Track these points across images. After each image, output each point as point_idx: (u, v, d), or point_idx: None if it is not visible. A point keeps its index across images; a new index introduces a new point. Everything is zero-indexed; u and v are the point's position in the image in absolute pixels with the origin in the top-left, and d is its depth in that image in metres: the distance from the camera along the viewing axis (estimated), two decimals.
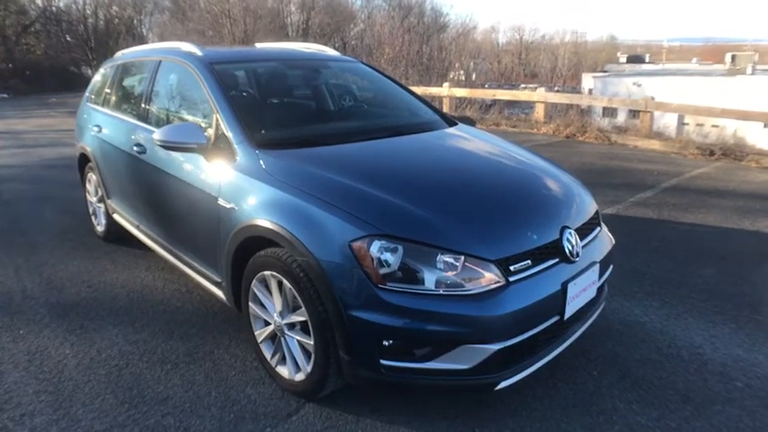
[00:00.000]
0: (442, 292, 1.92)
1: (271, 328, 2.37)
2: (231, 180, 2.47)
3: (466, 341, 1.92)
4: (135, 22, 34.28)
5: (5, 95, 23.71)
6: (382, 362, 1.97)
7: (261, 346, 2.47)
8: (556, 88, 32.36)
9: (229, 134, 2.58)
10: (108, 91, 4.14)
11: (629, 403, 2.32)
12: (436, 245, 1.96)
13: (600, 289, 2.53)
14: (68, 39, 30.94)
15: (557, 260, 2.15)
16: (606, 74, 36.86)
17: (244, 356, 2.68)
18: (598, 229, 2.56)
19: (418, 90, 13.41)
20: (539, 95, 11.13)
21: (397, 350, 1.96)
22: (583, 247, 2.29)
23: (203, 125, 2.76)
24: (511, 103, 14.84)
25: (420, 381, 2.00)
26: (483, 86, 21.49)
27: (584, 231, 2.39)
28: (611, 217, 4.97)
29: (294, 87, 3.48)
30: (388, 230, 1.97)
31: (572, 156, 8.04)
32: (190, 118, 2.96)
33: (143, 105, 3.41)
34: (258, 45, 4.23)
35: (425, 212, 2.08)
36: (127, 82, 3.95)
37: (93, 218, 4.53)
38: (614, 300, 3.25)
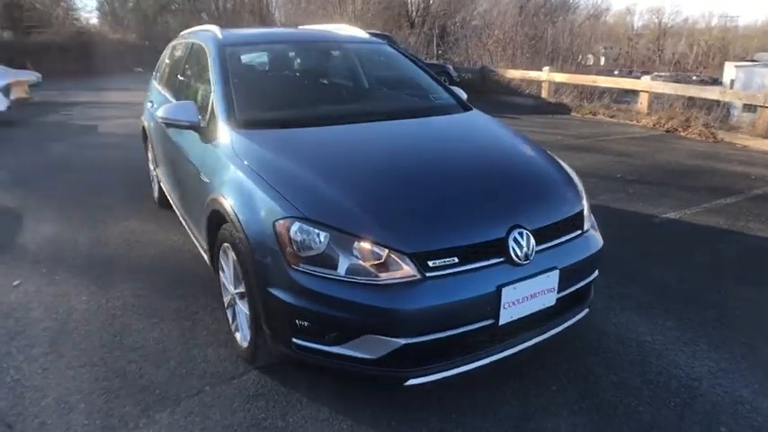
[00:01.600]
0: (351, 279, 1.91)
1: (230, 296, 2.50)
2: (209, 156, 2.62)
3: (370, 331, 1.90)
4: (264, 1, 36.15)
5: (140, 69, 26.31)
6: (294, 340, 2.02)
7: (227, 311, 2.61)
8: (694, 77, 29.22)
9: (216, 113, 2.72)
10: (161, 69, 4.50)
11: (573, 427, 2.13)
12: (354, 233, 1.94)
13: (575, 298, 2.34)
14: (204, 16, 33.52)
15: (499, 260, 2.02)
16: (754, 63, 32.43)
17: (223, 321, 2.83)
18: (577, 232, 2.33)
19: (516, 74, 12.91)
20: (643, 84, 10.18)
21: (308, 330, 1.99)
22: (541, 250, 2.12)
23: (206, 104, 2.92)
24: (628, 92, 13.72)
25: (329, 363, 2.02)
26: (609, 73, 19.97)
27: (549, 233, 2.19)
28: (670, 222, 4.49)
29: (304, 69, 3.55)
30: (308, 214, 1.99)
31: (660, 152, 7.31)
32: (199, 97, 3.14)
33: (176, 84, 3.69)
34: (301, 27, 4.35)
35: (354, 201, 2.06)
36: (172, 61, 4.26)
37: (152, 185, 4.98)
38: (623, 313, 2.97)
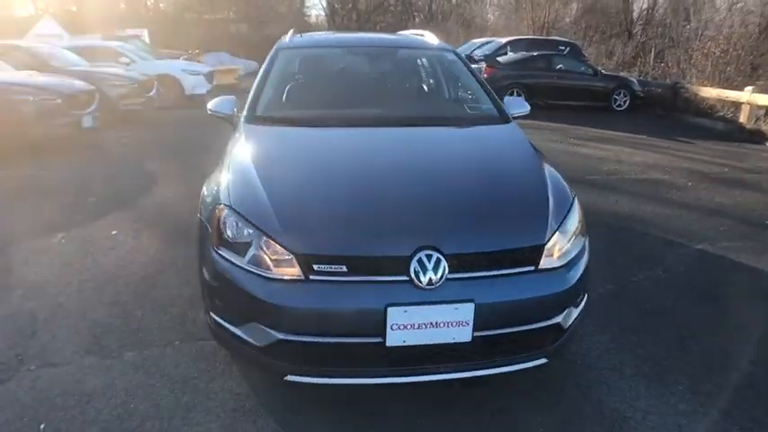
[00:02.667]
0: (250, 268, 2.00)
1: None
2: (227, 144, 2.91)
3: (255, 319, 1.98)
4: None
5: None
6: (211, 314, 2.18)
7: None
8: None
9: (244, 108, 3.00)
10: None
11: None
12: (262, 229, 2.03)
13: (521, 342, 2.10)
14: (416, 17, 35.34)
15: (398, 279, 1.92)
16: None
17: None
18: (525, 268, 2.05)
19: (712, 92, 11.12)
20: None
21: (218, 308, 2.15)
22: (457, 279, 1.95)
23: None
24: None
25: (232, 343, 2.13)
26: None
27: (473, 262, 1.99)
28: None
29: (348, 73, 3.66)
30: (236, 206, 2.14)
31: None
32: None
33: None
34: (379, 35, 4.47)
35: (276, 200, 2.13)
36: None
37: None
38: (605, 372, 2.51)
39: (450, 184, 2.37)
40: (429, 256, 1.92)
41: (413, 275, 1.91)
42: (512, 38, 15.15)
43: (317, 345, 1.95)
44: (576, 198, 2.41)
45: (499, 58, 12.37)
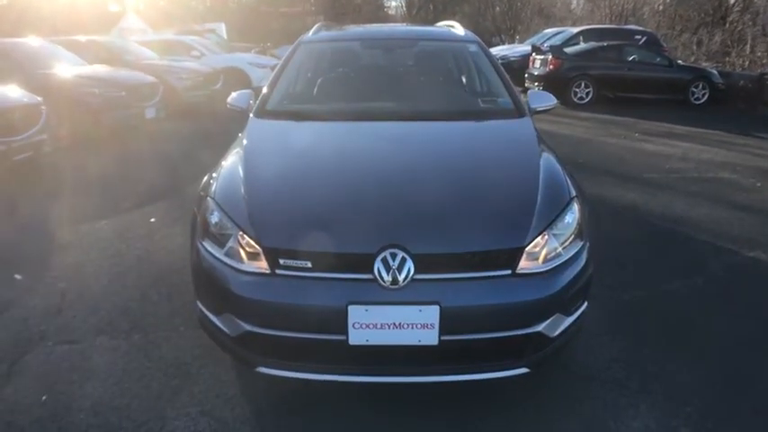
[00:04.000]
0: (225, 260, 2.04)
1: None
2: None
3: (227, 310, 2.02)
4: None
5: None
6: (197, 302, 2.24)
7: None
8: None
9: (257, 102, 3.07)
10: None
11: None
12: (235, 221, 2.07)
13: (495, 348, 2.00)
14: (496, 8, 34.31)
15: (362, 277, 1.88)
16: None
17: None
18: (500, 271, 1.95)
19: None
20: None
21: (202, 295, 2.20)
22: (424, 280, 1.88)
23: None
24: None
25: (212, 332, 2.17)
26: None
27: (441, 263, 1.92)
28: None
29: (363, 66, 3.63)
30: (218, 199, 2.20)
31: None
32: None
33: None
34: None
35: (252, 194, 2.17)
36: None
37: None
38: (607, 385, 2.34)
39: (434, 181, 2.28)
40: (394, 255, 1.87)
41: (377, 274, 1.87)
42: (584, 27, 14.43)
43: (284, 339, 1.95)
44: (575, 199, 2.23)
45: (566, 49, 11.80)
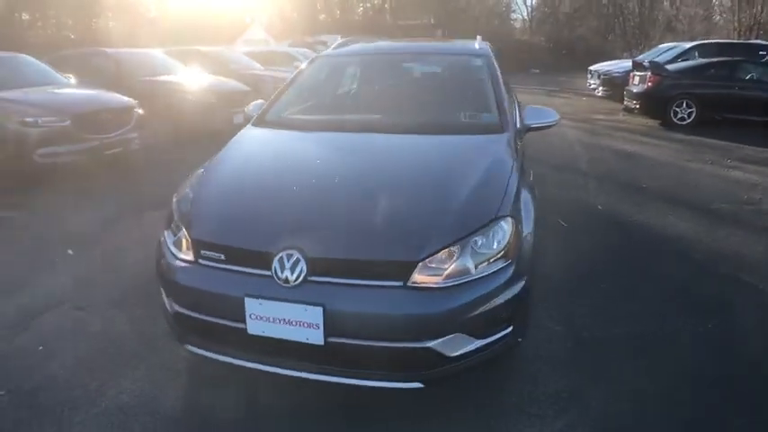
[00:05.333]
0: (170, 250, 2.34)
1: None
2: None
3: (167, 294, 2.34)
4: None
5: (537, 71, 27.82)
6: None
7: None
8: None
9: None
10: None
11: None
12: (180, 215, 2.38)
13: (383, 359, 2.06)
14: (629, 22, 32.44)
15: (263, 272, 2.07)
16: None
17: None
18: (389, 282, 2.01)
19: None
20: None
21: (159, 278, 2.47)
22: (315, 282, 2.02)
23: None
24: None
25: (162, 309, 2.46)
26: None
27: (333, 267, 2.04)
28: None
29: (366, 79, 3.76)
30: (176, 198, 2.54)
31: None
32: None
33: None
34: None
35: (199, 191, 2.49)
36: None
37: None
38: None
39: (363, 191, 2.40)
40: (290, 256, 2.04)
41: (273, 272, 2.04)
42: (699, 42, 13.23)
43: (201, 321, 2.20)
44: (505, 219, 2.21)
45: (668, 66, 10.93)
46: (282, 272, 2.03)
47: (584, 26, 33.47)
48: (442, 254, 2.07)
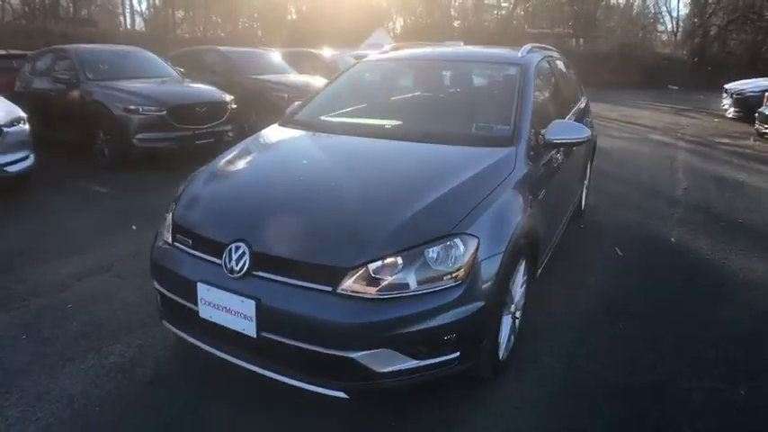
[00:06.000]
0: (162, 230, 2.56)
1: None
2: None
3: (150, 272, 2.54)
4: None
5: (675, 87, 25.40)
6: None
7: None
8: None
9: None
10: None
11: None
12: (173, 202, 2.60)
13: (309, 362, 2.07)
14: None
15: (217, 261, 2.17)
16: None
17: None
18: (321, 287, 2.01)
19: None
20: None
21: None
22: (257, 276, 2.09)
23: None
24: None
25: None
26: None
27: (274, 264, 2.08)
28: None
29: (396, 85, 3.71)
30: (181, 186, 2.74)
31: None
32: None
33: None
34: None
35: (194, 183, 2.68)
36: None
37: None
38: None
39: (332, 195, 2.41)
40: (238, 248, 2.13)
41: (222, 261, 2.14)
42: None
43: (171, 300, 2.38)
44: (461, 236, 2.10)
45: None
46: (230, 262, 2.12)
47: (738, 39, 29.90)
48: (387, 264, 2.02)
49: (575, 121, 4.12)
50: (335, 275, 2.00)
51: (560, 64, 4.41)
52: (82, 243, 4.10)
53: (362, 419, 2.28)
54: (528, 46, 3.64)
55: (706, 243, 4.51)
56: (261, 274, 2.09)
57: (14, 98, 7.14)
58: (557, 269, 3.74)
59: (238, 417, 2.28)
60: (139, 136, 6.13)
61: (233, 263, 2.11)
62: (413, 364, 2.04)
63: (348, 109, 3.48)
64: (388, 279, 2.00)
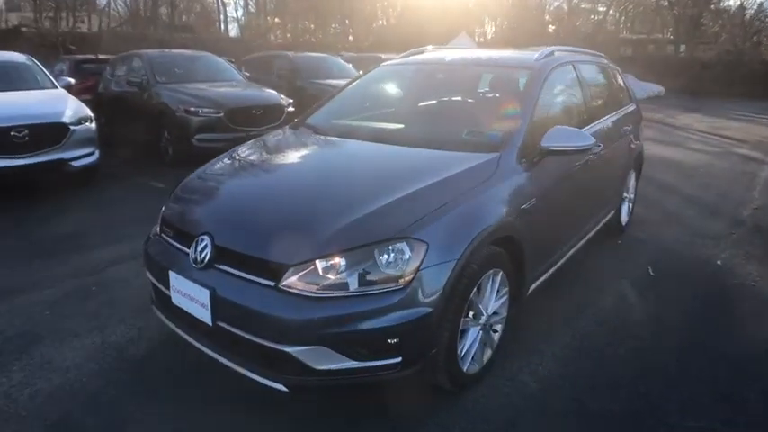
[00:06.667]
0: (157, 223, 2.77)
1: None
2: None
3: (144, 264, 2.75)
4: None
5: None
6: None
7: None
8: None
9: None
10: None
11: None
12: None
13: (253, 353, 2.15)
14: None
15: (187, 251, 2.32)
16: None
17: None
18: (263, 280, 2.09)
19: None
20: None
21: None
22: (217, 268, 2.20)
23: None
24: None
25: None
26: None
27: (231, 258, 2.18)
28: None
29: (406, 88, 3.70)
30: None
31: None
32: None
33: None
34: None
35: (188, 181, 2.85)
36: None
37: None
38: None
39: (291, 194, 2.52)
40: (202, 240, 2.27)
41: (190, 252, 2.29)
42: None
43: (155, 287, 2.57)
44: (408, 240, 2.09)
45: None
46: (194, 253, 2.27)
47: None
48: (333, 264, 2.06)
49: (609, 129, 3.92)
50: (279, 271, 2.08)
51: (595, 69, 4.21)
52: (125, 233, 4.47)
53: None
54: (549, 49, 3.52)
55: (757, 269, 4.09)
56: (220, 266, 2.21)
57: (95, 100, 7.95)
58: (567, 286, 3.58)
59: (215, 396, 2.43)
60: (198, 136, 6.57)
61: (197, 254, 2.25)
62: (351, 364, 2.06)
63: (360, 111, 3.57)
64: (331, 278, 2.04)
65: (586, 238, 3.74)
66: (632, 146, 4.49)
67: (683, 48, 31.29)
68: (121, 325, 3.03)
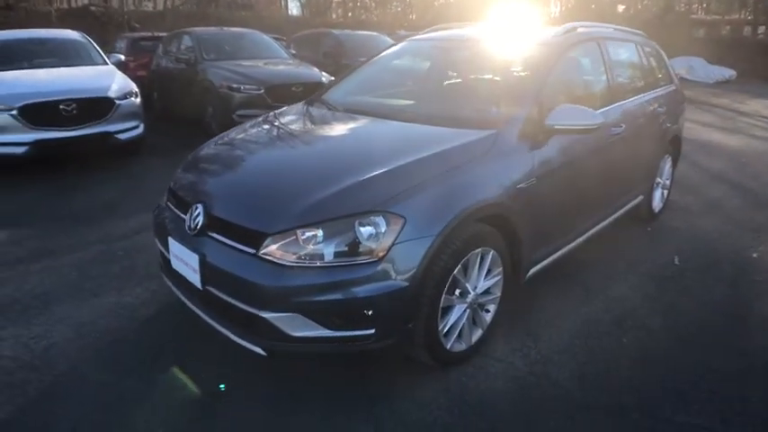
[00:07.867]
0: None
1: None
2: None
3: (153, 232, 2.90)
4: None
5: None
6: None
7: None
8: None
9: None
10: None
11: None
12: None
13: (240, 318, 2.23)
14: None
15: (185, 218, 2.44)
16: None
17: None
18: (245, 247, 2.16)
19: None
20: None
21: None
22: (209, 236, 2.29)
23: None
24: None
25: None
26: None
27: (222, 226, 2.27)
28: None
29: (421, 64, 3.63)
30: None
31: None
32: None
33: None
34: None
35: (198, 151, 2.98)
36: None
37: None
38: None
39: (283, 166, 2.61)
40: (196, 208, 2.38)
41: (187, 219, 2.41)
42: None
43: (161, 253, 2.71)
44: (384, 214, 2.11)
45: None
46: (189, 220, 2.38)
47: None
48: (311, 234, 2.11)
49: (635, 110, 3.75)
50: (259, 239, 2.15)
51: (626, 48, 4.02)
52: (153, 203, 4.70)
53: None
54: (571, 25, 3.39)
55: None
56: (210, 233, 2.31)
57: (149, 76, 8.30)
58: (580, 271, 3.49)
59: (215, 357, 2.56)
60: (239, 112, 6.76)
61: (191, 221, 2.37)
62: (326, 333, 2.12)
63: (371, 89, 3.58)
64: (308, 248, 2.10)
65: (605, 224, 3.61)
66: (666, 129, 4.26)
67: (761, 30, 28.86)
68: (138, 288, 3.22)
